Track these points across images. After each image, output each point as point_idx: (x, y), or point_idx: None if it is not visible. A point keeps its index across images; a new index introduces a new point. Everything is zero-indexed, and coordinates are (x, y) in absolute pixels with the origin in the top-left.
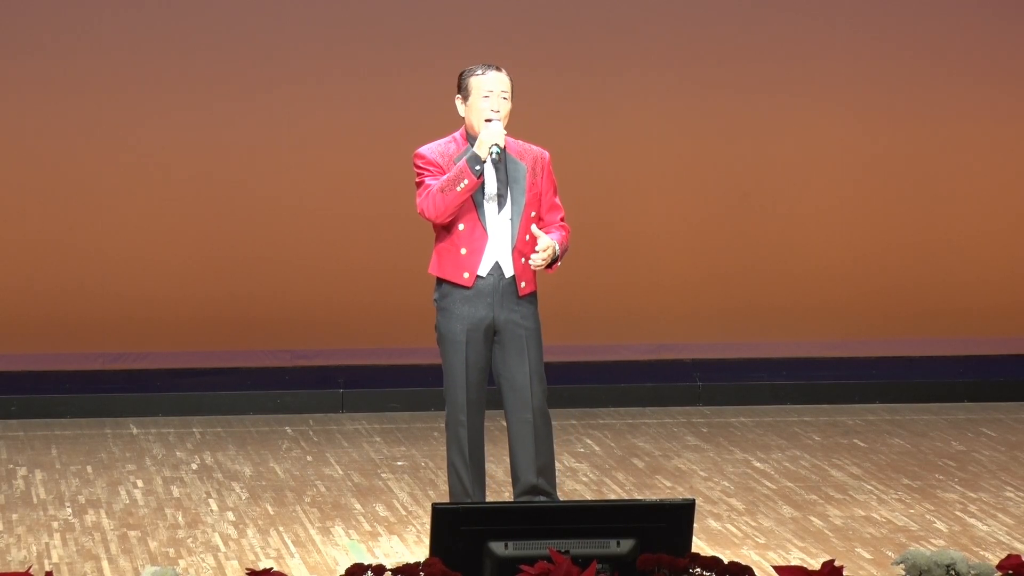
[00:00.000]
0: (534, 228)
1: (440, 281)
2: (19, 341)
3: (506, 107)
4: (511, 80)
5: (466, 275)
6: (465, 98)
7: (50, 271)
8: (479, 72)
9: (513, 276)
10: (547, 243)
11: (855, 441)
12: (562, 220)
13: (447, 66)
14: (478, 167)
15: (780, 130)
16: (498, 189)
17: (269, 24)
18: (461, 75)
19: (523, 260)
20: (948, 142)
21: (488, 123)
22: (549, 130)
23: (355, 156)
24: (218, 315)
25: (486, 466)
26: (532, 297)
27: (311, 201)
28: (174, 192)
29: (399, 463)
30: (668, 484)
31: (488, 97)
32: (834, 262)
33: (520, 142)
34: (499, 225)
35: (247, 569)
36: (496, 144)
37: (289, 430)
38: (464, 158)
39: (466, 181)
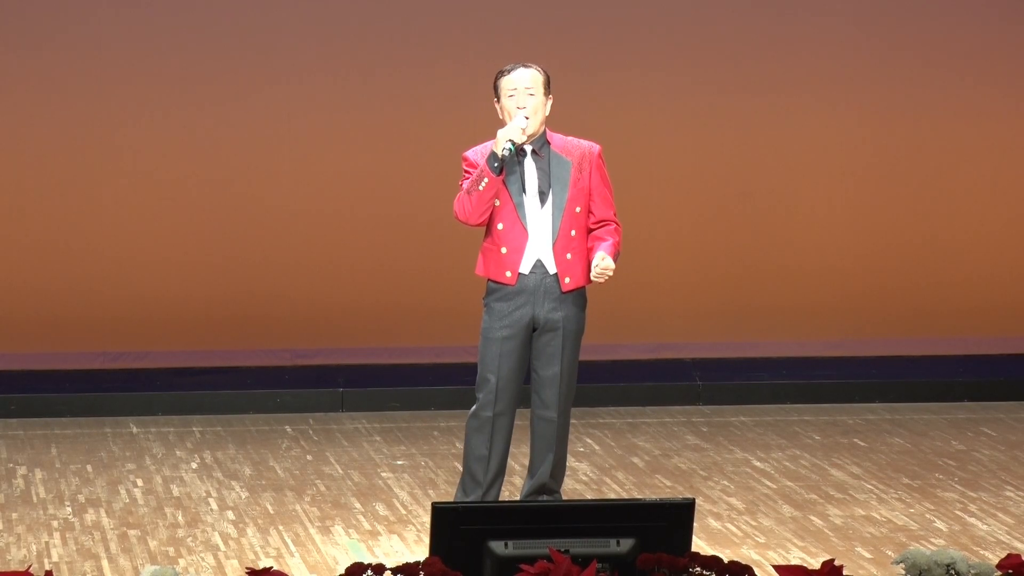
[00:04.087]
0: (599, 253)
1: (487, 280)
2: (19, 341)
3: (532, 103)
4: (543, 74)
5: (508, 274)
6: (498, 99)
7: (50, 271)
8: (506, 72)
9: (556, 273)
10: (606, 265)
11: (855, 441)
12: (613, 217)
13: (448, 66)
14: (496, 164)
15: (780, 130)
16: (540, 186)
17: (271, 22)
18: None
19: (567, 256)
20: (948, 142)
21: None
22: (550, 129)
23: (355, 156)
24: (218, 315)
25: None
26: (578, 295)
27: (311, 201)
28: (174, 192)
29: (399, 462)
30: (668, 483)
31: (512, 96)
32: (834, 262)
33: (569, 138)
34: (541, 222)
35: (247, 568)
36: (510, 140)
37: (289, 429)
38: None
39: (486, 179)
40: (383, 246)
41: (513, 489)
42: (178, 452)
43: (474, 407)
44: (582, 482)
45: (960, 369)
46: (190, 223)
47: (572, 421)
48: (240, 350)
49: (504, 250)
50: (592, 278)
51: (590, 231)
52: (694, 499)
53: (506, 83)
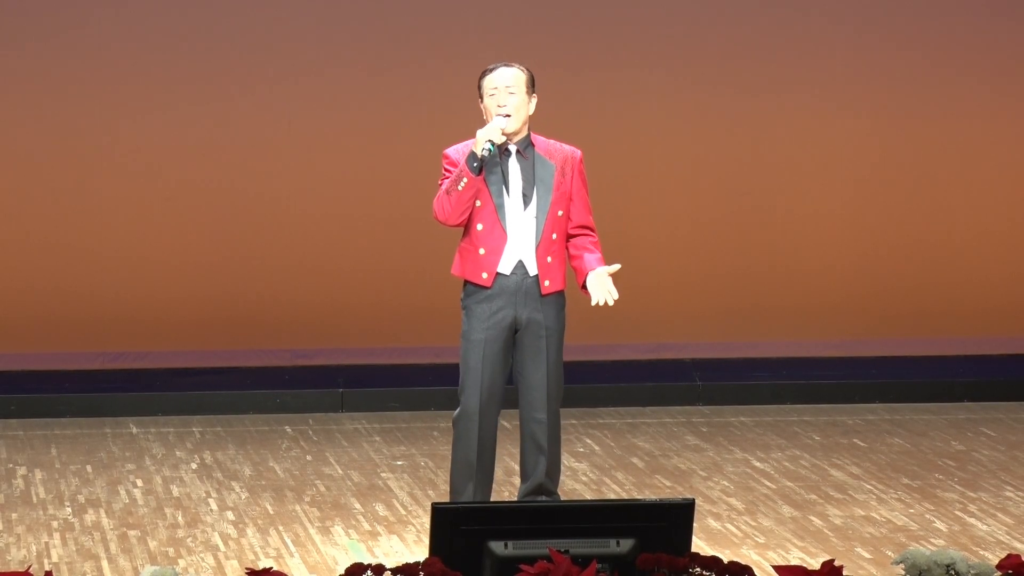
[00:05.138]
0: (596, 277)
1: (464, 282)
2: (19, 341)
3: (514, 101)
4: (526, 74)
5: (484, 275)
6: (481, 99)
7: (50, 271)
8: (488, 71)
9: (536, 275)
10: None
11: (855, 441)
12: (591, 224)
13: (447, 66)
14: (475, 164)
15: (780, 130)
16: (523, 188)
17: (271, 21)
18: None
19: (547, 259)
20: (948, 142)
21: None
22: (548, 129)
23: (355, 156)
24: (218, 315)
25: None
26: (558, 297)
27: (311, 201)
28: (174, 192)
29: (399, 463)
30: (668, 484)
31: (493, 95)
32: (834, 262)
33: (551, 141)
34: (522, 224)
35: (247, 568)
36: (490, 140)
37: (289, 430)
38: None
39: (465, 180)
40: (383, 246)
41: (512, 489)
42: (178, 452)
43: (457, 410)
44: (582, 482)
45: (960, 369)
46: (190, 223)
47: (572, 421)
48: (240, 350)
49: (482, 251)
50: (597, 301)
51: (568, 236)
52: (694, 499)
53: (487, 82)
